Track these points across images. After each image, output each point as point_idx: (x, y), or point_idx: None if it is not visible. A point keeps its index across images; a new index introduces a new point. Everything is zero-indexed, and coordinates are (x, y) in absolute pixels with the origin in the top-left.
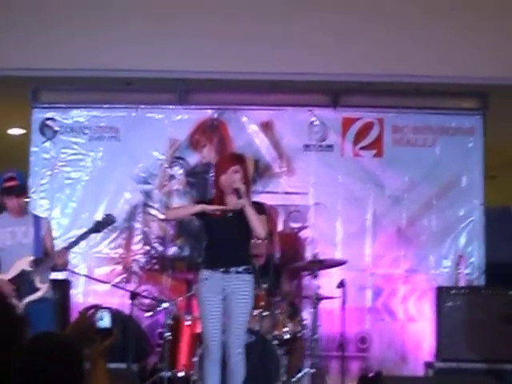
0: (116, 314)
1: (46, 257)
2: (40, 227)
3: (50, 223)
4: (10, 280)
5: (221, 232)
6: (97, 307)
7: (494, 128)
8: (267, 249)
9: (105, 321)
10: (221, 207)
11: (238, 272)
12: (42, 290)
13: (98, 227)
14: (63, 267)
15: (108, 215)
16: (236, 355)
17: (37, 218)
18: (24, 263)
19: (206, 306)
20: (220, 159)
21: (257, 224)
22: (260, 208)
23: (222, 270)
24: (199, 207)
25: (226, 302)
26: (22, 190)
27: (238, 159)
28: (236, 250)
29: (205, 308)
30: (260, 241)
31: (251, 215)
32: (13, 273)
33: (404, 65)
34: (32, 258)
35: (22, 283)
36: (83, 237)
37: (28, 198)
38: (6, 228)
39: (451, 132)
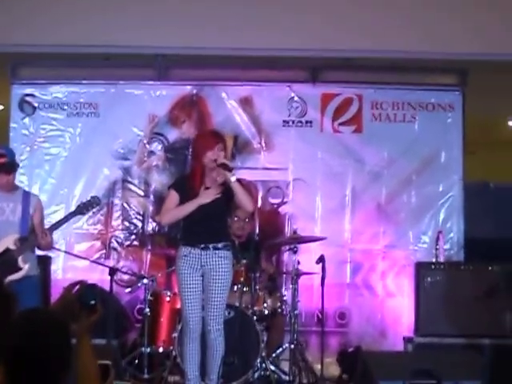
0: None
1: (32, 235)
2: (29, 204)
3: (41, 201)
4: None
5: (200, 208)
6: (81, 283)
7: (473, 104)
8: (248, 225)
9: (89, 297)
10: (212, 194)
11: (216, 248)
12: (24, 269)
13: (82, 209)
14: (47, 248)
15: (93, 197)
16: (215, 331)
17: (26, 195)
18: (9, 241)
19: (185, 282)
20: (202, 136)
21: (245, 199)
22: (242, 183)
23: (200, 246)
24: (195, 204)
25: (205, 278)
26: (11, 167)
27: (221, 137)
28: (214, 227)
29: (184, 285)
30: (244, 221)
31: (239, 190)
32: None
33: (383, 40)
34: (17, 236)
35: (5, 262)
36: (67, 218)
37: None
38: None
39: (430, 108)
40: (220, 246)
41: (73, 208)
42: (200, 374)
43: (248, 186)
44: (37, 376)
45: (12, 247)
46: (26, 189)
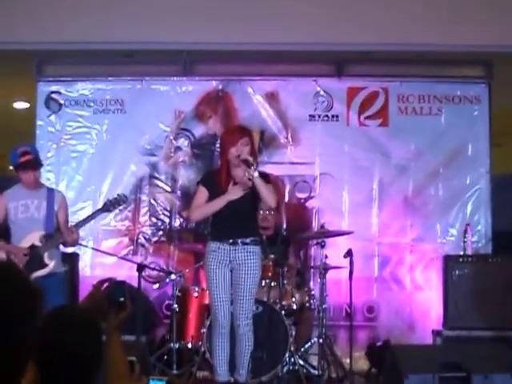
0: (126, 287)
1: (57, 232)
2: (53, 201)
3: (65, 198)
4: None
5: (228, 204)
6: (110, 280)
7: (499, 96)
8: (274, 219)
9: (118, 294)
10: (241, 190)
11: (245, 243)
12: (50, 266)
13: (109, 206)
14: (73, 244)
15: (119, 195)
16: (244, 326)
17: (51, 192)
18: (34, 238)
19: (214, 278)
20: (227, 131)
21: (267, 194)
22: (266, 177)
23: (229, 241)
24: (224, 201)
25: (234, 273)
26: (37, 164)
27: (246, 132)
28: (243, 222)
29: (212, 280)
30: (269, 212)
31: (261, 186)
32: (24, 245)
33: (408, 33)
34: (42, 233)
35: (31, 258)
36: (94, 215)
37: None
38: (19, 201)
39: (456, 100)
40: (248, 241)
41: (100, 205)
42: (229, 369)
43: (275, 181)
44: (68, 374)
45: (38, 244)
46: (53, 186)
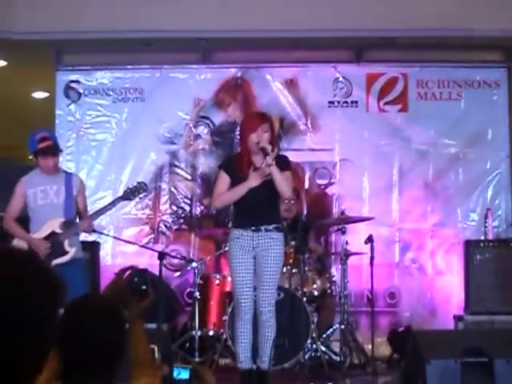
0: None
1: (77, 219)
2: (72, 186)
3: (82, 181)
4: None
5: (250, 191)
6: (132, 268)
7: None
8: (295, 206)
9: (140, 282)
10: (260, 177)
11: (267, 230)
12: (70, 253)
13: (129, 195)
14: (87, 231)
15: (139, 183)
16: (267, 312)
17: (68, 176)
18: (54, 224)
19: (237, 264)
20: (247, 118)
21: (282, 185)
22: (285, 162)
23: (252, 228)
24: (245, 188)
25: (257, 260)
26: (57, 149)
27: (266, 118)
28: (265, 209)
29: (235, 267)
30: (289, 201)
31: (277, 176)
32: (43, 233)
33: (427, 18)
34: (62, 219)
35: (52, 245)
36: (114, 203)
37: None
38: (37, 187)
39: (476, 85)
40: (271, 227)
41: (120, 193)
42: (251, 356)
43: (295, 167)
44: (91, 362)
45: (58, 230)
46: (68, 170)
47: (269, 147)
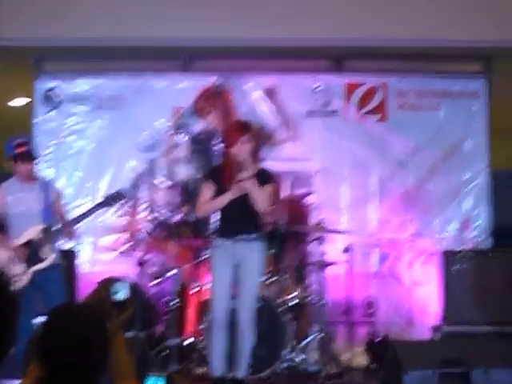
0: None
1: (55, 225)
2: (49, 193)
3: (58, 188)
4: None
5: (233, 200)
6: (111, 280)
7: (498, 91)
8: (273, 216)
9: (120, 294)
10: (241, 189)
11: (248, 240)
12: (49, 259)
13: (108, 202)
14: (70, 238)
15: (119, 190)
16: (246, 320)
17: (45, 183)
18: (33, 232)
19: (216, 274)
20: (227, 130)
21: (258, 200)
22: (267, 176)
23: (232, 237)
24: (226, 199)
25: (238, 269)
26: (33, 155)
27: (246, 128)
28: (246, 218)
29: (214, 276)
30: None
31: (253, 191)
32: (23, 239)
33: (407, 29)
34: (41, 226)
35: (31, 251)
36: (93, 210)
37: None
38: (15, 194)
39: (455, 95)
40: (252, 237)
41: (98, 200)
42: (226, 365)
43: (275, 177)
44: (73, 370)
45: (36, 238)
46: (44, 177)
47: (246, 163)
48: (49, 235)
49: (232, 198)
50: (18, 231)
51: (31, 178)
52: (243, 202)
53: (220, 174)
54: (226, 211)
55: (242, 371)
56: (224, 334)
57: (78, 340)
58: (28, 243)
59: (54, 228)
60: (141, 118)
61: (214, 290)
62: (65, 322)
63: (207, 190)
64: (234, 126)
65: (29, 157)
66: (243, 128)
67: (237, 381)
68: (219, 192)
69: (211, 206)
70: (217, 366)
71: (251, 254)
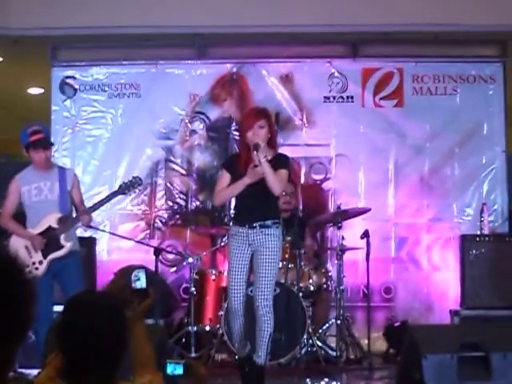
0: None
1: (73, 213)
2: (66, 181)
3: (76, 175)
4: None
5: (248, 188)
6: (131, 267)
7: None
8: (293, 199)
9: (141, 281)
10: (258, 174)
11: (263, 226)
12: (67, 247)
13: (124, 189)
14: (87, 225)
15: (134, 177)
16: (264, 307)
17: (62, 171)
18: (51, 220)
19: (233, 261)
20: (244, 115)
21: (272, 182)
22: (282, 161)
23: (249, 224)
24: (242, 184)
25: (254, 256)
26: (48, 142)
27: (263, 114)
28: (262, 205)
29: (231, 264)
30: (286, 194)
31: (267, 172)
32: (40, 228)
33: (422, 13)
34: (59, 215)
35: (48, 240)
36: (109, 198)
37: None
38: (31, 184)
39: (471, 80)
40: (268, 223)
41: (115, 188)
42: (249, 347)
43: (291, 162)
44: (92, 359)
45: (54, 225)
46: (62, 165)
47: (261, 144)
48: (66, 223)
49: (248, 182)
50: (36, 220)
51: (48, 165)
52: (259, 188)
53: (236, 162)
54: (241, 198)
55: (261, 357)
56: (240, 320)
57: (95, 331)
58: (46, 231)
59: (71, 216)
60: (157, 105)
61: (229, 278)
62: (82, 313)
63: (224, 178)
64: (250, 112)
65: (44, 144)
66: (259, 113)
67: (257, 367)
68: (235, 179)
69: (227, 192)
70: (238, 347)
71: (267, 240)
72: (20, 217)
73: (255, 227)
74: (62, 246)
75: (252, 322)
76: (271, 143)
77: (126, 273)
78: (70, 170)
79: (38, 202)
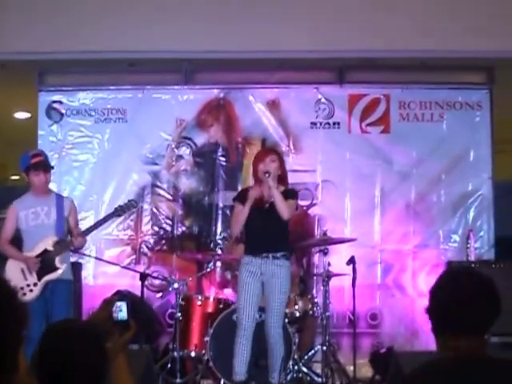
0: (130, 298)
1: (68, 238)
2: (63, 208)
3: (74, 202)
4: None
5: (260, 220)
6: (113, 299)
7: (501, 102)
8: None
9: (123, 313)
10: (259, 190)
11: (275, 257)
12: (61, 269)
13: (119, 212)
14: (80, 248)
15: (130, 200)
16: (275, 335)
17: (59, 198)
18: (47, 243)
19: (244, 285)
20: (257, 152)
21: (281, 205)
22: (292, 193)
23: (261, 255)
24: (248, 206)
25: (265, 286)
26: (48, 166)
27: (274, 151)
28: (274, 237)
29: (242, 289)
30: None
31: (277, 197)
32: (36, 251)
33: (409, 40)
34: (55, 238)
35: (43, 262)
36: (105, 220)
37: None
38: (29, 209)
39: (458, 106)
40: (279, 255)
41: (107, 212)
42: (246, 371)
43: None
44: None
45: (50, 248)
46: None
47: (273, 172)
48: (62, 245)
49: (254, 196)
50: (32, 243)
51: (46, 189)
52: (270, 220)
53: (248, 195)
54: (254, 229)
55: (275, 378)
56: (248, 340)
57: (73, 358)
58: (41, 254)
59: (67, 239)
60: (143, 130)
61: (240, 302)
62: (59, 339)
63: (237, 210)
64: (262, 149)
65: (45, 166)
66: (271, 150)
67: None
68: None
69: (237, 220)
70: (239, 370)
71: (277, 271)
72: (16, 241)
73: (268, 257)
74: (56, 268)
75: (261, 348)
76: (282, 181)
77: (108, 304)
78: (68, 199)
79: (34, 226)
